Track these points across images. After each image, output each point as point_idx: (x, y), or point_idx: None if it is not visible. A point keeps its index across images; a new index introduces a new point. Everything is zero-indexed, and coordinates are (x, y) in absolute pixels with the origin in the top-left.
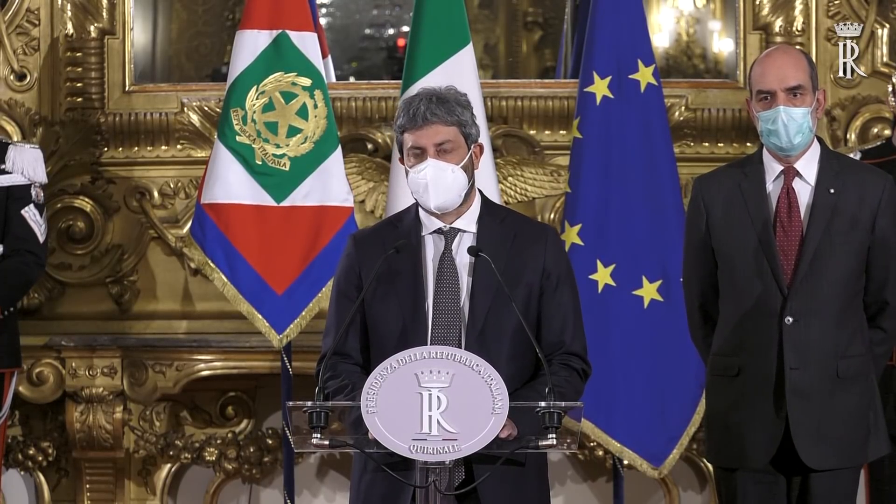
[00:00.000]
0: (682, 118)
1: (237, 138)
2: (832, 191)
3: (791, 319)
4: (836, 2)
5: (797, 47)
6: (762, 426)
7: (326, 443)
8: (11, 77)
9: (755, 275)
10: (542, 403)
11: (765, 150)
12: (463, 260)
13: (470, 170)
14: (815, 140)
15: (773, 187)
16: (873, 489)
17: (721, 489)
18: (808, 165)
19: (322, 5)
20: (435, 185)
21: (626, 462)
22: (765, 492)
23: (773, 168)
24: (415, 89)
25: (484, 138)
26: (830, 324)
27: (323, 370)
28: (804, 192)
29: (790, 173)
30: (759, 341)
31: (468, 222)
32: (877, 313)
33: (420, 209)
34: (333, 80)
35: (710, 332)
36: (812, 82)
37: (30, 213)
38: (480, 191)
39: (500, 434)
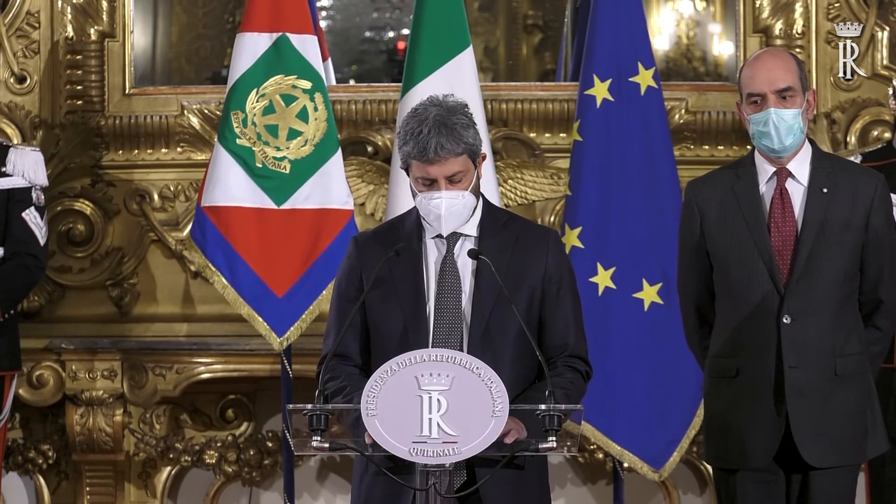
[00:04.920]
0: (682, 121)
1: (237, 141)
2: (825, 191)
3: (789, 319)
4: (836, 4)
5: (788, 50)
6: (763, 426)
7: (326, 446)
8: (12, 80)
9: (751, 276)
10: (543, 406)
11: (756, 152)
12: (465, 263)
13: (477, 187)
14: (807, 141)
15: (766, 189)
16: (874, 492)
17: (720, 490)
18: (801, 166)
19: (322, 8)
20: (448, 215)
21: (626, 465)
22: (764, 491)
23: (765, 170)
24: (415, 92)
25: (484, 141)
26: (827, 322)
27: (323, 371)
28: (797, 193)
29: (783, 174)
30: (758, 342)
31: (470, 226)
32: (872, 312)
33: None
34: (333, 82)
35: (707, 336)
36: (801, 83)
37: (30, 216)
38: (482, 195)
39: (506, 439)
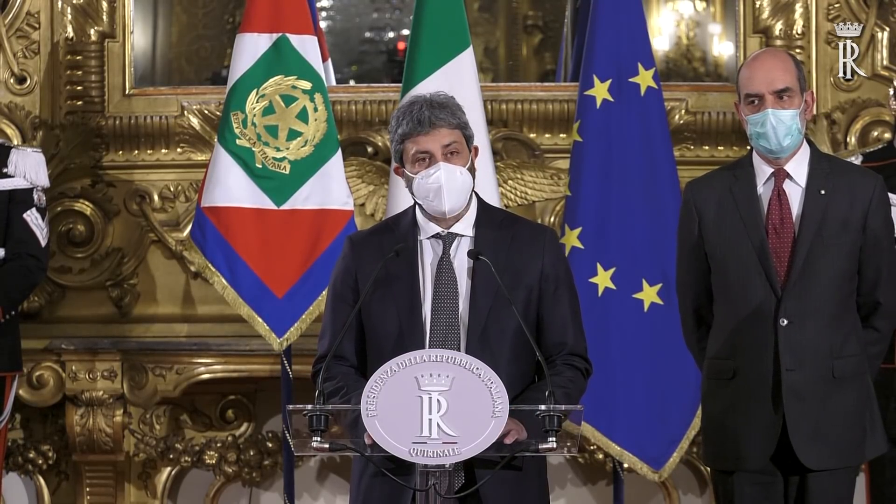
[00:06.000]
0: (682, 121)
1: (237, 142)
2: (823, 192)
3: (786, 321)
4: (836, 5)
5: (787, 51)
6: (759, 428)
7: (326, 446)
8: (12, 80)
9: (749, 277)
10: (543, 407)
11: (754, 153)
12: (461, 264)
13: (473, 171)
14: (805, 142)
15: (763, 190)
16: (874, 491)
17: (719, 491)
18: (799, 167)
19: (322, 8)
20: (448, 187)
21: (626, 465)
22: (762, 492)
23: (763, 170)
24: (415, 93)
25: (484, 141)
26: (825, 324)
27: (320, 372)
28: (795, 194)
29: (780, 175)
30: (755, 344)
31: (465, 226)
32: (870, 313)
33: (418, 213)
34: (333, 83)
35: (704, 337)
36: (800, 84)
37: (32, 217)
38: (477, 194)
39: (506, 439)
